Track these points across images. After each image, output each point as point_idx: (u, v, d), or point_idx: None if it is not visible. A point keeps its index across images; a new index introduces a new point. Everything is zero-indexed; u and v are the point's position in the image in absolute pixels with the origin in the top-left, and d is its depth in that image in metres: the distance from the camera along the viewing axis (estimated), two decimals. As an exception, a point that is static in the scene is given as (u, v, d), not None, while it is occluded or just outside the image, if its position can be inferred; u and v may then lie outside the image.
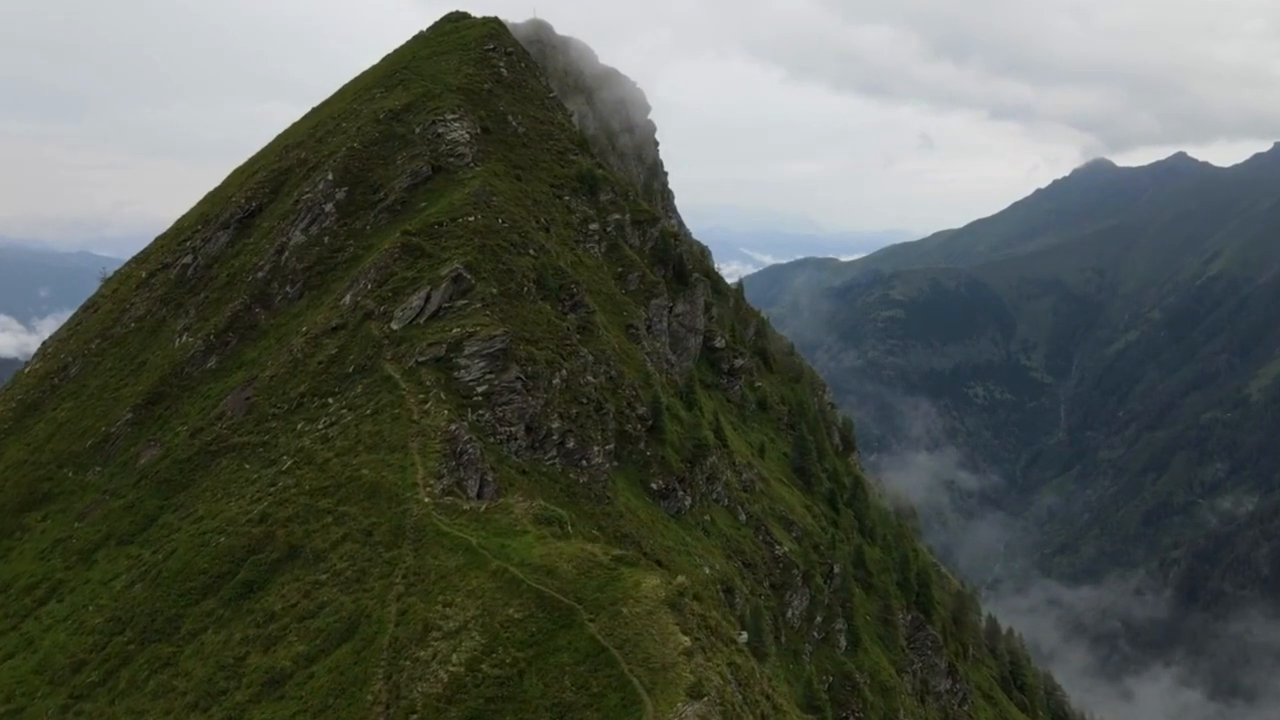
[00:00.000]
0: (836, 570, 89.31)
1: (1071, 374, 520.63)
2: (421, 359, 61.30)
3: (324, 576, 47.38)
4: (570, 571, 37.61)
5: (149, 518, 64.02)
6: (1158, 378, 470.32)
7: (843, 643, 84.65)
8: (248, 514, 55.68)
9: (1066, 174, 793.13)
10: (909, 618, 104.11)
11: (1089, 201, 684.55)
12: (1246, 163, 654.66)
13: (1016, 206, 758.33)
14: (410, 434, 54.88)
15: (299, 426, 62.02)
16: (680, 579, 36.32)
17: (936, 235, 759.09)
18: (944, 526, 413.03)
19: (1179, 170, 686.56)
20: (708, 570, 69.07)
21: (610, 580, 36.75)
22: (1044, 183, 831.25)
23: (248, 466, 62.01)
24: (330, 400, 62.71)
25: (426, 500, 48.50)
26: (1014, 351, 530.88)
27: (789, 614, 79.98)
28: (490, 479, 55.30)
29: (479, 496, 54.53)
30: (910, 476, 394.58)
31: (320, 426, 60.41)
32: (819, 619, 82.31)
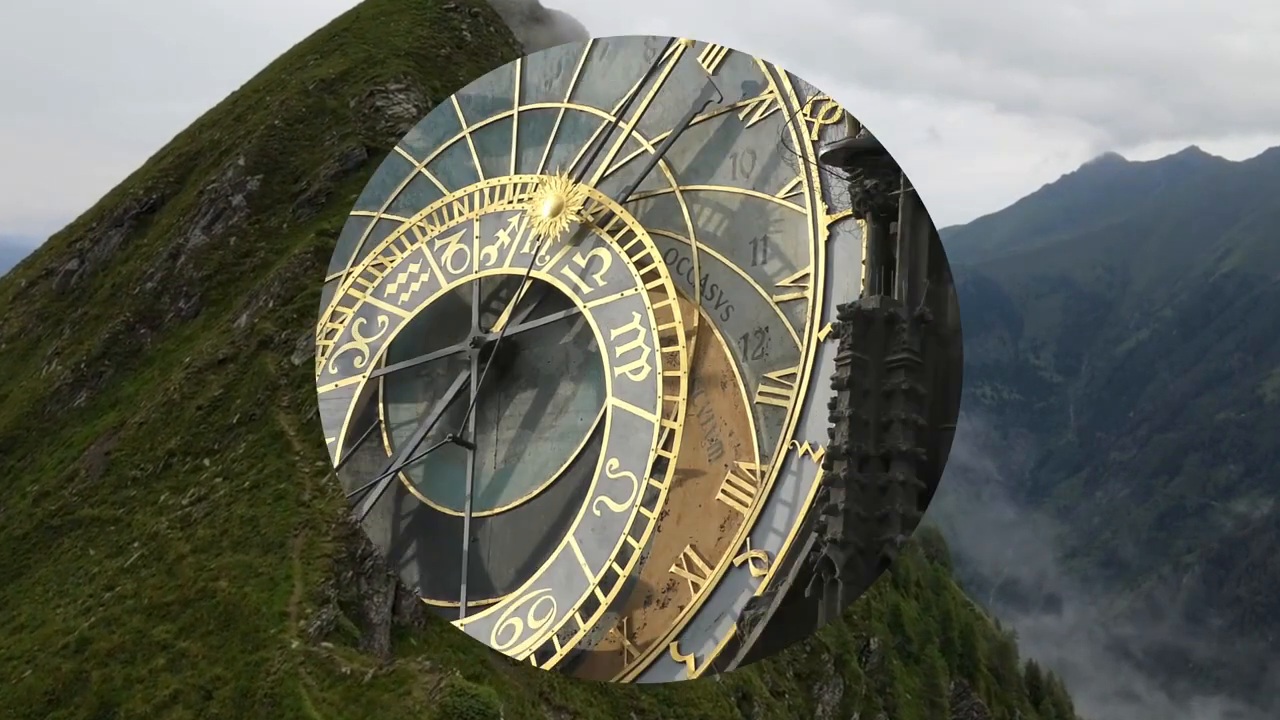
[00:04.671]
0: (874, 645, 72.98)
1: (1081, 373, 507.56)
2: (326, 408, 44.58)
3: (135, 767, 30.84)
4: None
5: (-36, 619, 47.48)
6: (1169, 377, 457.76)
7: (883, 742, 68.29)
8: (66, 636, 39.07)
9: (1075, 169, 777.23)
10: (952, 685, 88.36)
11: (1098, 197, 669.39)
12: (1260, 157, 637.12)
13: (1024, 202, 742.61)
14: (294, 525, 38.25)
15: (161, 498, 45.36)
16: None
17: (942, 231, 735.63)
18: (951, 528, 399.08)
19: (1191, 165, 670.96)
20: (717, 678, 52.53)
21: None
22: (1052, 178, 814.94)
23: (92, 553, 45.34)
24: (206, 462, 46.04)
25: (295, 644, 31.96)
26: (1022, 350, 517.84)
27: (819, 711, 63.54)
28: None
29: (393, 613, 37.92)
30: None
31: (185, 501, 43.76)
32: (856, 715, 65.86)
